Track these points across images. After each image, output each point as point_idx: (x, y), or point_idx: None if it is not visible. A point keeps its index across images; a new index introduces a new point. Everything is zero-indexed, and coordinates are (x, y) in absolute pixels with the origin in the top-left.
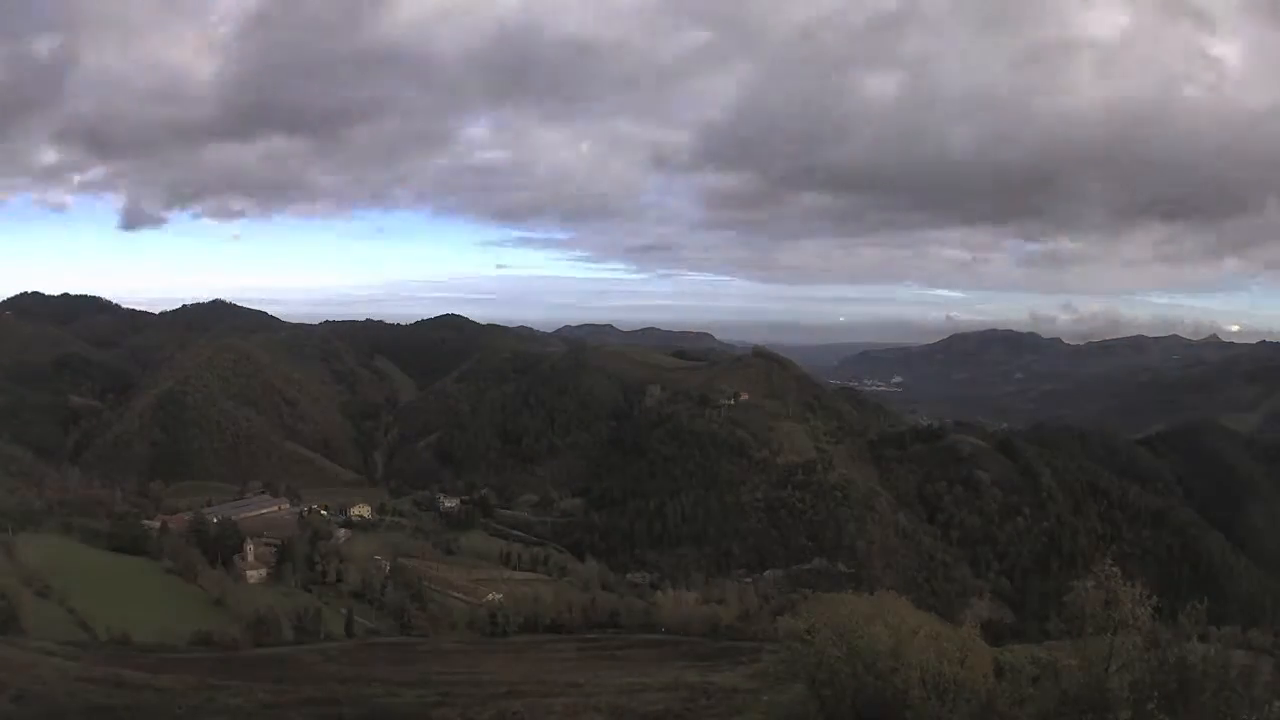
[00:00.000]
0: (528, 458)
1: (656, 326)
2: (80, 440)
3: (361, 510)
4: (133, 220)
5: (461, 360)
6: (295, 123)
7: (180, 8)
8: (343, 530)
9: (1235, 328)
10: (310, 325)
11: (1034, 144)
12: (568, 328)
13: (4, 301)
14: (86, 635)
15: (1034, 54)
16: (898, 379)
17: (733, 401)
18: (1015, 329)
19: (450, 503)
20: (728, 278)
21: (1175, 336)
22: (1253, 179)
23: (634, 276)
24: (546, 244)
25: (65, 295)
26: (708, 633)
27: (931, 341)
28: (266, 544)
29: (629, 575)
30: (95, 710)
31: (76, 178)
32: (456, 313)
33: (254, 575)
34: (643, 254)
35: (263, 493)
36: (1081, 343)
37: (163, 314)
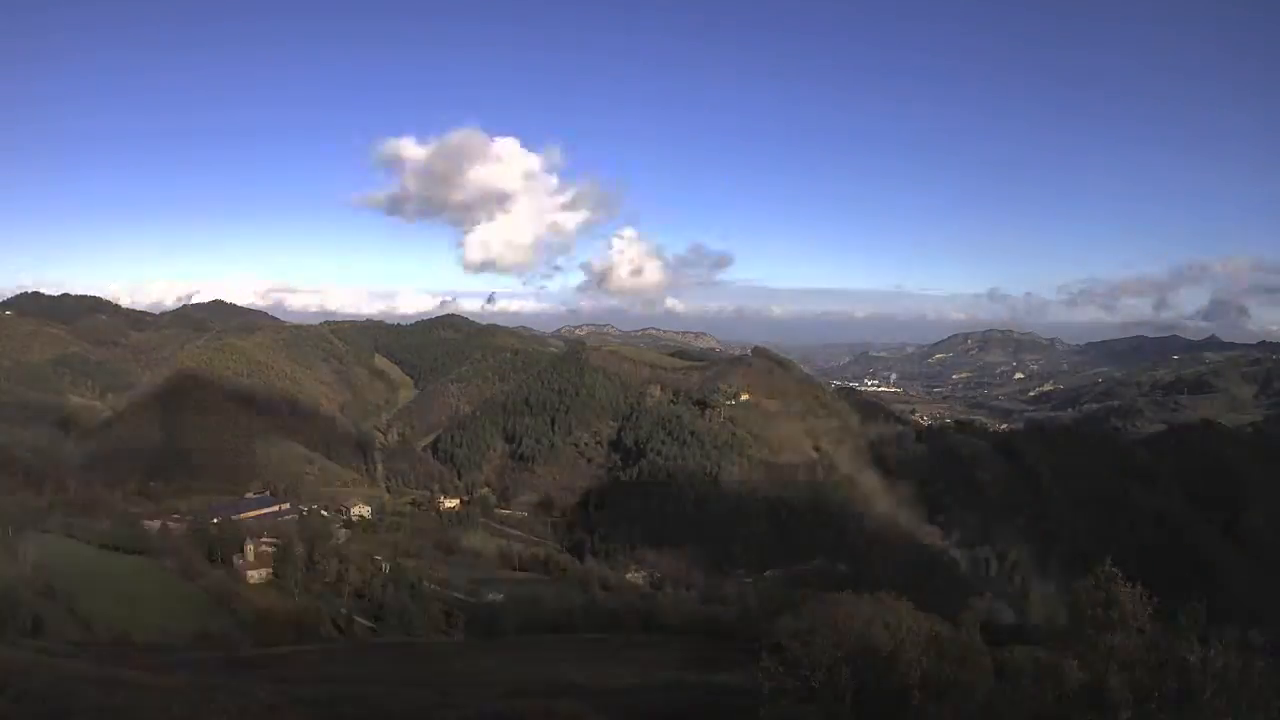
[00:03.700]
0: (528, 458)
1: (656, 326)
2: (80, 440)
3: (361, 510)
4: None
5: (461, 360)
6: None
7: None
8: (343, 530)
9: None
10: (310, 325)
11: None
12: (567, 327)
13: (4, 301)
14: (87, 635)
15: None
16: (897, 379)
17: (733, 401)
18: (1015, 329)
19: (450, 503)
20: None
21: (1175, 336)
22: None
23: None
24: None
25: (65, 295)
26: (708, 633)
27: (932, 341)
28: (266, 544)
29: (629, 575)
30: (95, 710)
31: None
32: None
33: (254, 575)
34: None
35: (263, 493)
36: (1082, 342)
37: (163, 314)
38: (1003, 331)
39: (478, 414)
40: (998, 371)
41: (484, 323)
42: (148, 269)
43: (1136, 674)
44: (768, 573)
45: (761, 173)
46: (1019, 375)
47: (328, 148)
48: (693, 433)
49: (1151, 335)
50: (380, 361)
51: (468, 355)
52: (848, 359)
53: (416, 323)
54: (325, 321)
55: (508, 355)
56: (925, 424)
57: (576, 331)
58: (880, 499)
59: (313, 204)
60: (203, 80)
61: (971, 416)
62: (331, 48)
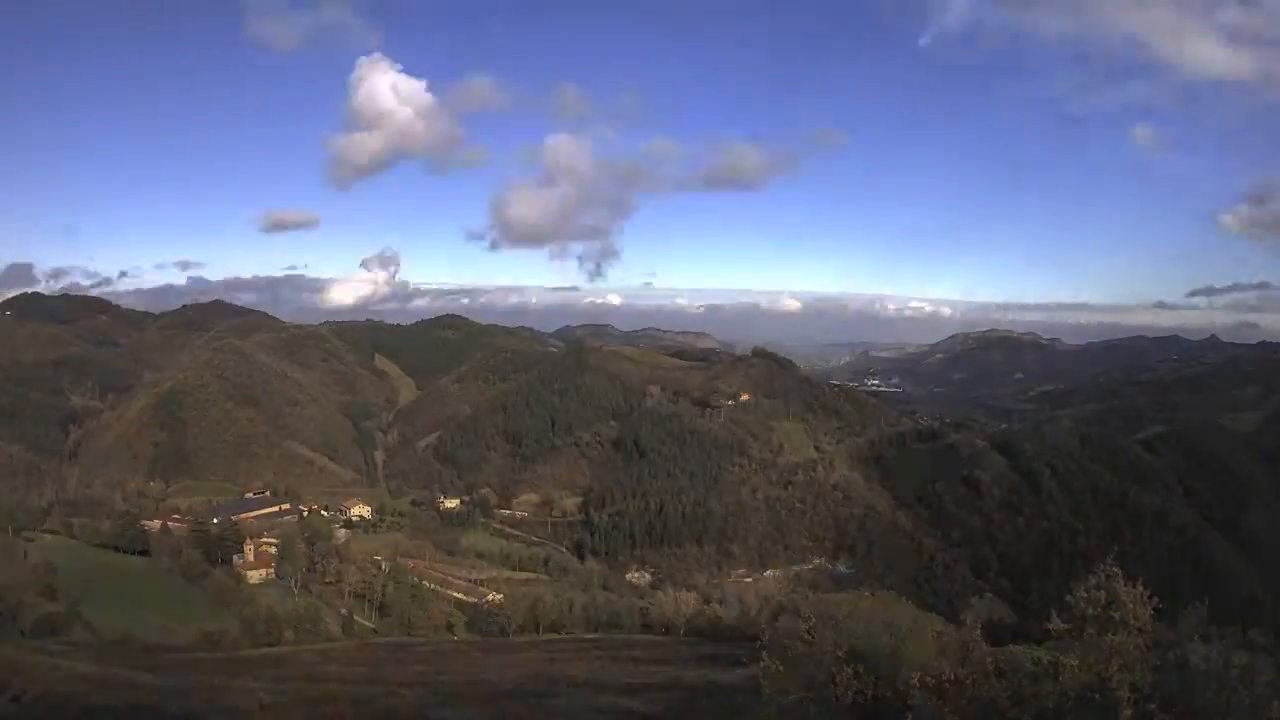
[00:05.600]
0: (528, 458)
1: (657, 326)
2: (80, 440)
3: (361, 510)
4: None
5: (461, 360)
6: None
7: None
8: (343, 530)
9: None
10: (310, 325)
11: None
12: (568, 327)
13: (4, 302)
14: (87, 635)
15: None
16: (897, 379)
17: (733, 402)
18: (1015, 329)
19: (450, 503)
20: None
21: (1175, 336)
22: None
23: None
24: None
25: (65, 295)
26: (708, 633)
27: (932, 341)
28: (267, 544)
29: (629, 575)
30: (95, 710)
31: None
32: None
33: (254, 575)
34: None
35: (263, 493)
36: (1082, 343)
37: (163, 314)
38: (1003, 331)
39: (478, 414)
40: (997, 371)
41: (484, 323)
42: None
43: (1137, 674)
44: (768, 573)
45: None
46: (1019, 375)
47: None
48: (693, 433)
49: (1151, 335)
50: (380, 361)
51: (468, 355)
52: (848, 359)
53: (416, 323)
54: (325, 322)
55: (508, 355)
56: (925, 424)
57: (576, 331)
58: (880, 499)
59: None
60: None
61: (971, 417)
62: None
